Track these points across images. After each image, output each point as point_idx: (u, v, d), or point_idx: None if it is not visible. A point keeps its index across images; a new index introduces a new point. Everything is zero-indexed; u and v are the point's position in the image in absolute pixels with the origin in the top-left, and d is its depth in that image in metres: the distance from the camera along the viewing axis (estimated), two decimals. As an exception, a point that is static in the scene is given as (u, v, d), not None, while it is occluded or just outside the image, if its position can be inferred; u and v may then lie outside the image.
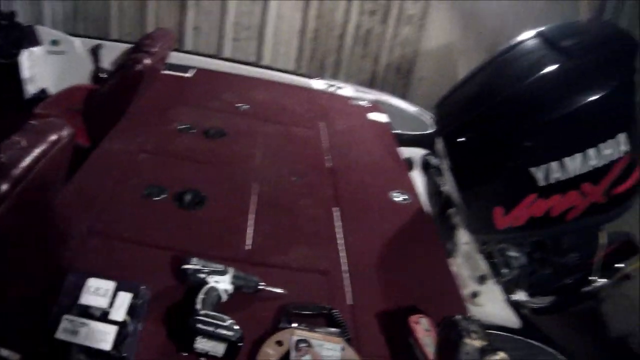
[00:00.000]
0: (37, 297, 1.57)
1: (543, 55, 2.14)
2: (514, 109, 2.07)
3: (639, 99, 2.02)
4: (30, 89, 4.11)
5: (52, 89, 4.16)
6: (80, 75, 4.17)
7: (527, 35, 2.30)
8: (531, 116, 2.00)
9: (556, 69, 2.02)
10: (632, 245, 2.41)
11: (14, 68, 3.98)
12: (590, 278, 2.33)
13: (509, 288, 2.52)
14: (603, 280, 2.36)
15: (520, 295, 2.51)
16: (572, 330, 2.35)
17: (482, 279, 2.63)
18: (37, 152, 1.71)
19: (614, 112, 1.95)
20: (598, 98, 1.89)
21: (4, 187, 1.51)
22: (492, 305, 2.53)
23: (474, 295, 2.60)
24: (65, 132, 1.88)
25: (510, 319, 2.47)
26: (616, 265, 2.38)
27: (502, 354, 1.64)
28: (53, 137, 1.81)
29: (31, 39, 4.06)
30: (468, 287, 2.53)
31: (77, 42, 4.20)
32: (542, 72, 2.04)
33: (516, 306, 2.52)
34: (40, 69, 4.14)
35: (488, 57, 2.44)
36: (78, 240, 1.88)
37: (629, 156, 1.94)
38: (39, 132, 1.81)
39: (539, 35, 2.26)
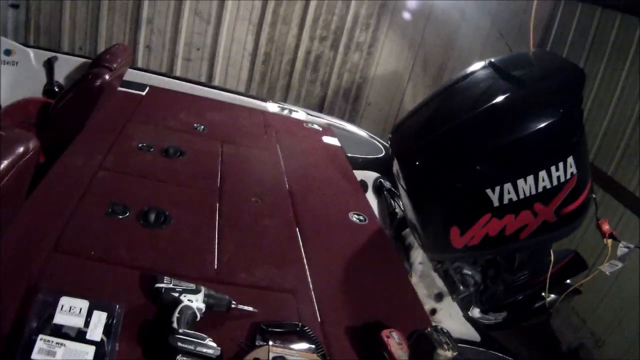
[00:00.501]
0: (4, 315, 1.54)
1: (495, 84, 2.23)
2: (468, 133, 2.15)
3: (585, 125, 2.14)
4: (-17, 99, 4.01)
5: (4, 100, 4.05)
6: (33, 87, 4.06)
7: (479, 65, 2.39)
8: (485, 141, 2.09)
9: (508, 97, 2.11)
10: (580, 262, 2.51)
11: (-35, 76, 3.87)
12: (541, 294, 2.43)
13: (465, 305, 2.59)
14: (553, 296, 2.45)
15: (475, 312, 2.58)
16: (526, 344, 2.42)
17: (439, 297, 2.71)
18: (5, 163, 1.67)
19: (563, 137, 2.05)
20: (548, 124, 1.99)
21: None
22: (451, 321, 2.60)
23: (433, 312, 2.66)
24: (32, 144, 1.85)
25: (469, 333, 2.54)
26: (566, 281, 2.49)
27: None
28: (20, 150, 1.77)
29: (-17, 48, 3.96)
30: (426, 304, 2.59)
31: (32, 53, 4.11)
32: (494, 99, 2.13)
33: (473, 321, 2.59)
34: (-7, 79, 4.04)
35: (443, 85, 2.52)
36: (44, 257, 1.84)
37: (577, 177, 2.05)
38: (7, 143, 1.77)
39: (490, 65, 2.35)
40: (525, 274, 2.42)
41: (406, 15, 6.16)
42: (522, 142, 2.02)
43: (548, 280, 2.36)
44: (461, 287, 2.51)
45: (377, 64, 6.39)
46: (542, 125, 1.99)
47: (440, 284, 2.71)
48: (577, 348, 4.13)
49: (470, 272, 2.50)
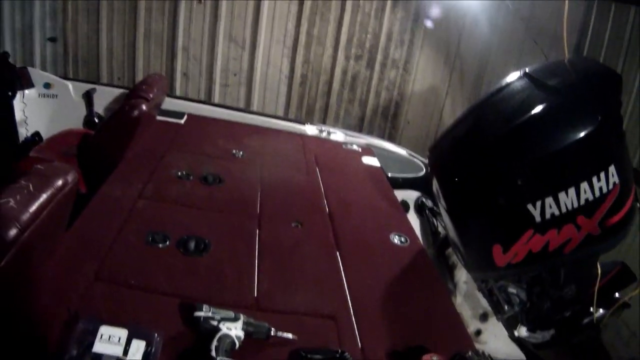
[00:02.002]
0: (45, 343, 1.56)
1: (531, 95, 2.18)
2: (506, 148, 2.11)
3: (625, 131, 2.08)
4: (24, 132, 4.08)
5: (45, 132, 4.12)
6: (73, 118, 4.14)
7: (514, 77, 2.35)
8: (523, 155, 2.04)
9: (544, 107, 2.06)
10: (628, 273, 2.44)
11: (8, 110, 3.95)
12: (589, 309, 2.35)
13: (510, 324, 2.53)
14: (602, 311, 2.38)
15: (522, 331, 2.52)
16: None
17: (484, 317, 2.65)
18: (44, 197, 1.69)
19: (603, 146, 1.99)
20: (587, 133, 1.93)
21: (12, 232, 1.49)
22: (496, 341, 2.55)
23: (478, 333, 2.61)
24: (70, 178, 1.87)
25: (515, 353, 2.48)
26: (614, 294, 2.41)
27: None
28: (59, 183, 1.79)
29: (24, 81, 4.02)
30: (470, 325, 2.54)
31: (70, 85, 4.19)
32: (531, 111, 2.08)
33: (519, 341, 2.53)
34: (33, 111, 4.11)
35: (478, 99, 2.48)
36: (84, 286, 1.86)
37: (620, 186, 1.98)
38: (46, 176, 1.79)
39: (525, 75, 2.31)
40: (572, 289, 2.35)
41: (439, 29, 6.13)
42: (561, 154, 1.96)
43: (596, 295, 2.29)
44: (506, 307, 2.46)
45: (414, 80, 6.36)
46: (581, 134, 1.94)
47: (484, 303, 2.66)
48: None
49: (515, 291, 2.45)
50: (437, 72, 6.37)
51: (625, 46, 4.94)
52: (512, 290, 2.46)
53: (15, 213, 1.54)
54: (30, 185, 1.69)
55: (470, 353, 1.70)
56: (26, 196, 1.64)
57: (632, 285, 2.44)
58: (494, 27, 5.92)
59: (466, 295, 2.77)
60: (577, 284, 2.34)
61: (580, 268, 2.32)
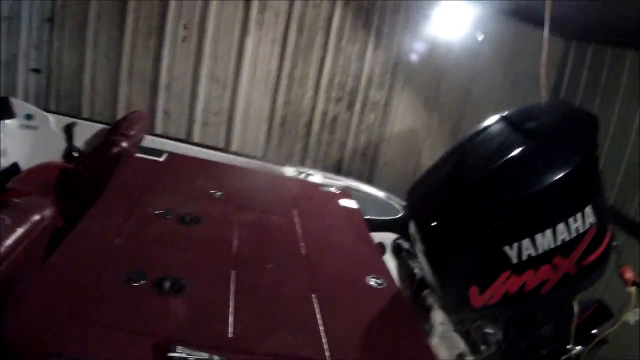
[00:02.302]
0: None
1: (508, 138, 2.23)
2: (484, 191, 2.14)
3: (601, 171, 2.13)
4: (2, 162, 4.07)
5: (24, 163, 4.11)
6: (53, 151, 4.14)
7: (492, 120, 2.40)
8: (501, 197, 2.08)
9: (522, 150, 2.11)
10: (605, 310, 2.46)
11: (-13, 139, 3.95)
12: (567, 347, 2.36)
13: (488, 363, 2.53)
14: (579, 348, 2.39)
15: (500, 371, 2.52)
16: None
17: (460, 357, 2.64)
18: (20, 231, 1.69)
19: (580, 187, 2.04)
20: (564, 175, 1.98)
21: None
22: (475, 382, 2.54)
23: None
24: (47, 213, 1.87)
25: (494, 395, 2.48)
26: (592, 331, 2.42)
27: None
28: (36, 217, 1.79)
29: (5, 111, 4.02)
30: (448, 366, 2.54)
31: (52, 118, 4.19)
32: (508, 154, 2.12)
33: (498, 382, 2.53)
34: (13, 142, 4.10)
35: (457, 142, 2.52)
36: (59, 324, 1.84)
37: (596, 226, 2.03)
38: (23, 210, 1.80)
39: (503, 119, 2.35)
40: (550, 328, 2.37)
41: (420, 72, 6.23)
42: (538, 196, 2.00)
43: (573, 332, 2.31)
44: (483, 347, 2.46)
45: (393, 122, 6.43)
46: (558, 176, 1.98)
47: (461, 344, 2.66)
48: None
49: (491, 331, 2.46)
50: (417, 114, 6.46)
51: (603, 86, 5.06)
52: (488, 330, 2.47)
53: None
54: (6, 219, 1.69)
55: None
56: (2, 230, 1.64)
57: (609, 321, 2.46)
58: (474, 72, 6.05)
59: (442, 336, 2.77)
60: (555, 322, 2.36)
61: (558, 307, 2.34)
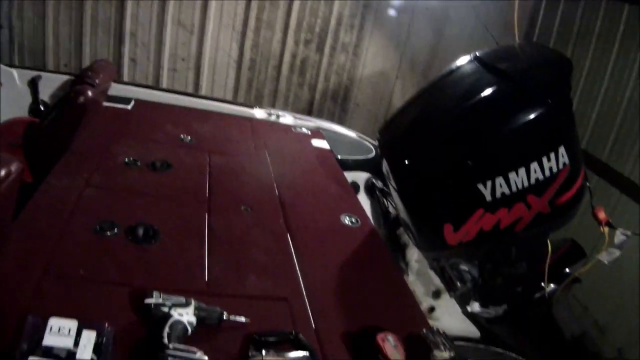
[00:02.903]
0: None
1: (481, 78, 2.22)
2: (456, 129, 2.14)
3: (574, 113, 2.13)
4: (-32, 122, 3.99)
5: (-10, 120, 4.04)
6: (18, 107, 4.04)
7: (464, 60, 2.38)
8: (474, 136, 2.08)
9: (495, 90, 2.10)
10: (578, 250, 2.50)
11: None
12: (540, 285, 2.41)
13: (463, 300, 2.57)
14: (553, 286, 2.44)
15: (474, 307, 2.56)
16: (528, 336, 2.41)
17: (436, 294, 2.69)
18: None
19: (553, 128, 2.04)
20: (537, 115, 1.98)
21: None
22: (450, 318, 2.59)
23: (431, 310, 2.65)
24: (14, 168, 1.83)
25: (468, 329, 2.53)
26: (564, 270, 2.47)
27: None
28: (2, 173, 1.75)
29: (-33, 70, 3.92)
30: (424, 302, 2.58)
31: (15, 73, 4.09)
32: (481, 94, 2.12)
33: (473, 317, 2.57)
34: (-22, 99, 4.02)
35: (428, 82, 2.51)
36: (33, 281, 1.82)
37: (570, 167, 2.04)
38: (-13, 167, 1.76)
39: (475, 59, 2.34)
40: (524, 266, 2.41)
41: (390, 14, 6.15)
42: (512, 135, 2.01)
43: (547, 271, 2.34)
44: (458, 284, 2.50)
45: (363, 64, 6.37)
46: (531, 117, 1.98)
47: (437, 281, 2.70)
48: (581, 336, 4.12)
49: (467, 268, 2.50)
50: (388, 56, 6.39)
51: (575, 35, 5.05)
52: (464, 267, 2.51)
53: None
54: (-28, 175, 1.65)
55: (424, 331, 1.73)
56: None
57: (582, 261, 2.50)
58: (445, 14, 5.98)
59: (418, 273, 2.81)
60: (529, 260, 2.40)
61: (531, 245, 2.38)
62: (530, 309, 2.57)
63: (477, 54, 2.36)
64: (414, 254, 2.84)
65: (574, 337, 3.96)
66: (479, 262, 2.50)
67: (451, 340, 1.70)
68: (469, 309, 2.60)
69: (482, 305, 2.58)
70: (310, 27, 6.10)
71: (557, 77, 2.14)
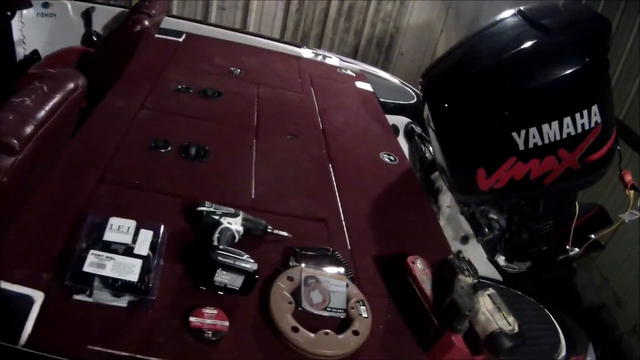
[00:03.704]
0: (56, 238, 1.68)
1: (523, 31, 2.26)
2: (495, 78, 2.20)
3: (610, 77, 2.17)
4: (21, 51, 4.11)
5: (43, 51, 4.12)
6: (71, 37, 4.12)
7: (508, 13, 2.42)
8: (511, 85, 2.14)
9: (535, 43, 2.15)
10: (605, 216, 2.56)
11: (5, 29, 3.96)
12: (564, 247, 2.48)
13: (490, 248, 2.65)
14: (577, 250, 2.51)
15: (500, 261, 2.64)
16: (547, 298, 2.47)
17: (464, 239, 2.77)
18: (57, 98, 1.74)
19: (588, 86, 2.09)
20: (573, 72, 2.04)
21: (29, 129, 1.55)
22: (476, 262, 2.65)
23: (457, 253, 2.73)
24: (80, 82, 1.93)
25: (493, 274, 2.61)
26: (589, 235, 2.53)
27: (491, 290, 1.80)
28: (71, 86, 1.85)
29: (21, 1, 4.01)
30: (452, 246, 2.65)
31: (69, 4, 4.18)
32: (521, 46, 2.17)
33: (497, 266, 2.66)
34: (31, 31, 4.11)
35: (472, 32, 2.56)
36: (90, 187, 1.97)
37: (601, 126, 2.10)
38: (58, 80, 1.86)
39: (519, 13, 2.38)
40: (550, 224, 2.46)
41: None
42: (547, 88, 2.06)
43: (572, 233, 2.41)
44: (486, 230, 2.57)
45: (410, 13, 6.36)
46: (567, 72, 2.03)
47: (466, 227, 2.76)
48: (599, 307, 4.16)
49: (495, 217, 2.56)
50: (434, 7, 6.38)
51: (623, 2, 4.98)
52: (493, 216, 2.57)
53: (31, 110, 1.62)
54: (45, 87, 1.76)
55: (451, 256, 1.83)
56: (41, 96, 1.71)
57: (607, 228, 2.55)
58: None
59: (449, 218, 2.88)
60: (555, 219, 2.46)
61: (559, 203, 2.44)
62: (553, 269, 2.64)
63: (521, 8, 2.40)
64: (446, 199, 2.90)
65: (592, 307, 4.03)
66: (507, 212, 2.57)
67: (475, 269, 1.79)
68: (494, 260, 2.68)
69: (507, 259, 2.66)
70: (358, -29, 6.10)
71: (595, 37, 2.18)
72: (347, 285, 1.73)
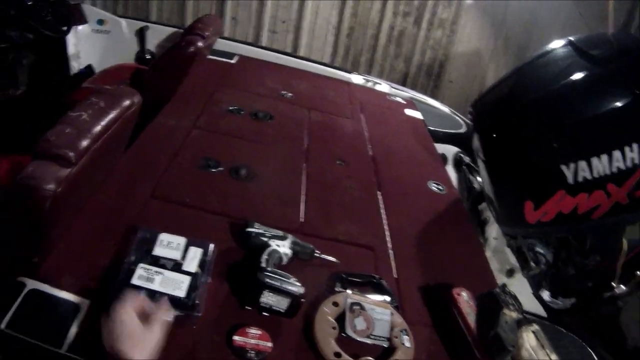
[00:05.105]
0: (105, 250, 1.72)
1: (572, 62, 2.23)
2: (545, 109, 2.17)
3: None
4: (76, 65, 4.22)
5: (97, 66, 4.24)
6: (124, 54, 4.25)
7: (558, 44, 2.40)
8: (561, 117, 2.10)
9: (585, 75, 2.12)
10: None
11: (61, 44, 4.07)
12: (611, 284, 2.43)
13: (535, 284, 2.61)
14: (623, 287, 2.45)
15: (544, 295, 2.60)
16: (590, 336, 2.41)
17: (510, 272, 2.73)
18: (113, 113, 1.80)
19: (638, 119, 2.05)
20: (624, 104, 1.98)
21: (85, 142, 1.60)
22: (520, 296, 2.62)
23: (502, 286, 2.69)
24: (136, 99, 1.98)
25: (537, 309, 2.56)
26: (636, 272, 2.47)
27: (536, 326, 1.77)
28: (127, 102, 1.90)
29: (78, 17, 4.10)
30: (497, 279, 2.62)
31: (124, 22, 4.29)
32: (571, 77, 2.14)
33: (542, 300, 2.61)
34: (86, 46, 4.22)
35: (522, 62, 2.54)
36: (141, 202, 2.02)
37: None
38: (115, 96, 1.91)
39: (569, 43, 2.35)
40: (597, 259, 2.40)
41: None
42: (597, 121, 2.01)
43: (619, 269, 2.36)
44: (533, 264, 2.53)
45: (459, 41, 6.34)
46: (617, 104, 1.98)
47: (512, 260, 2.72)
48: None
49: (542, 251, 2.52)
50: (483, 36, 6.34)
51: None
52: (539, 250, 2.53)
53: (88, 125, 1.66)
54: (102, 102, 1.81)
55: (497, 289, 1.81)
56: (98, 111, 1.76)
57: None
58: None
59: (495, 250, 2.85)
60: (602, 255, 2.40)
61: (606, 238, 2.38)
62: (598, 307, 2.58)
63: (571, 38, 2.38)
64: (492, 232, 2.87)
65: (637, 347, 3.91)
66: (554, 247, 2.53)
67: (520, 303, 1.76)
68: (539, 294, 2.63)
69: (552, 295, 2.61)
70: (409, -1, 6.13)
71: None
72: (392, 314, 1.72)
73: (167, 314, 1.38)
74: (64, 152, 1.52)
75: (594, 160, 2.00)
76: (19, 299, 1.48)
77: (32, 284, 1.53)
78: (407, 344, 1.65)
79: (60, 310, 1.49)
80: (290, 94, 3.40)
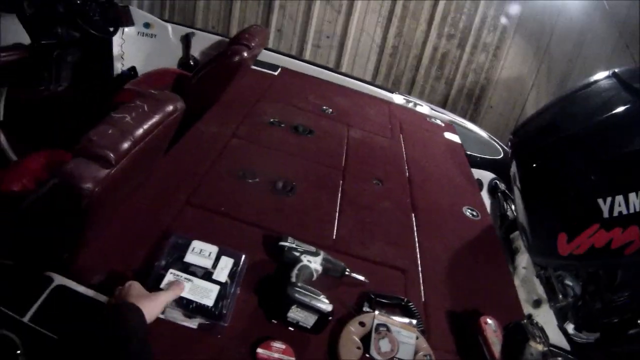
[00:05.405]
0: (138, 254, 1.75)
1: (615, 95, 2.21)
2: (586, 142, 2.15)
3: None
4: (119, 66, 4.30)
5: (140, 69, 4.32)
6: (168, 59, 4.32)
7: (602, 75, 2.38)
8: (601, 151, 2.09)
9: (627, 109, 2.10)
10: None
11: (106, 44, 4.15)
12: (637, 321, 2.38)
13: (561, 315, 2.58)
14: None
15: (569, 328, 2.56)
16: None
17: (537, 303, 2.70)
18: (156, 118, 1.82)
19: None
20: None
21: (126, 144, 1.62)
22: (545, 328, 2.59)
23: (529, 317, 2.67)
24: (179, 105, 2.01)
25: (561, 342, 2.53)
26: None
27: (560, 360, 1.75)
28: (170, 108, 1.93)
29: (125, 19, 4.18)
30: (523, 309, 2.60)
31: (170, 27, 4.36)
32: (613, 110, 2.12)
33: (566, 334, 2.58)
34: (131, 48, 4.30)
35: (565, 92, 2.52)
36: (177, 208, 2.05)
37: None
38: (159, 100, 1.93)
39: (613, 75, 2.33)
40: (625, 296, 2.38)
41: (533, 20, 6.06)
42: (636, 156, 2.01)
43: None
44: (560, 296, 2.50)
45: (502, 66, 6.31)
46: None
47: (540, 290, 2.70)
48: None
49: (571, 283, 2.49)
50: (526, 63, 6.29)
51: None
52: (568, 282, 2.50)
53: (130, 127, 1.68)
54: (145, 106, 1.83)
55: (524, 320, 1.79)
56: (141, 115, 1.78)
57: None
58: (588, 27, 5.80)
59: (524, 279, 2.82)
60: (631, 292, 2.37)
61: (637, 275, 2.36)
62: (623, 344, 2.54)
63: (616, 70, 2.36)
64: (522, 260, 2.84)
65: None
66: (583, 280, 2.49)
67: (547, 336, 1.75)
68: (564, 326, 2.60)
69: (577, 328, 2.57)
70: (454, 22, 6.13)
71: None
72: (417, 338, 1.71)
73: (179, 290, 1.49)
74: (105, 153, 1.54)
75: (631, 196, 1.97)
76: (45, 294, 1.50)
77: (59, 279, 1.55)
78: (431, 369, 1.65)
79: (87, 307, 1.51)
80: (331, 110, 3.43)
